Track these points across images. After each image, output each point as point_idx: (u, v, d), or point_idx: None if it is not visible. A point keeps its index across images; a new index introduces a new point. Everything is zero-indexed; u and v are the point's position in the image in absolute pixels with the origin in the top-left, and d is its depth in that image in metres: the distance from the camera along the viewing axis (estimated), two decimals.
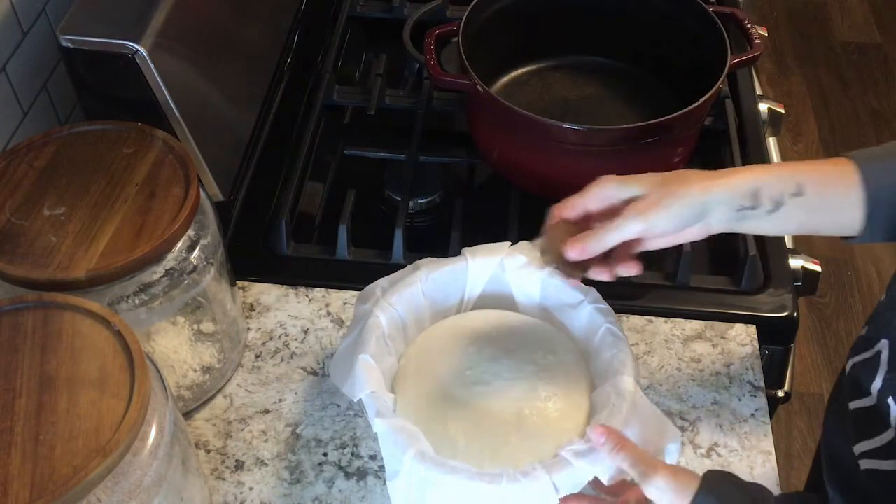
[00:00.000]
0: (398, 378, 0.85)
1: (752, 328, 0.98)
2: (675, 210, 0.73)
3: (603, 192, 0.75)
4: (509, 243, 0.90)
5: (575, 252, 0.75)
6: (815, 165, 0.75)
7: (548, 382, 0.83)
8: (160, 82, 0.93)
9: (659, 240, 0.77)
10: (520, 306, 0.91)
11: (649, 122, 1.00)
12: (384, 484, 0.85)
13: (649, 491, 0.70)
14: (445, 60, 1.18)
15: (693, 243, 1.02)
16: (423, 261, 0.90)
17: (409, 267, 0.89)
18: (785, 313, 1.00)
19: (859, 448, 0.74)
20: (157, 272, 0.81)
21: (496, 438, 0.79)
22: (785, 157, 1.19)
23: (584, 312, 0.87)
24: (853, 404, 0.75)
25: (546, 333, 0.88)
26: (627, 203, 0.75)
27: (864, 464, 0.73)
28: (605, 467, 0.74)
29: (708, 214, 0.74)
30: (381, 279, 0.89)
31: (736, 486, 0.70)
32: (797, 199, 0.73)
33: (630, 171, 1.06)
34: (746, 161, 1.14)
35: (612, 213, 0.76)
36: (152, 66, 0.92)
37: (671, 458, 0.79)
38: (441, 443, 0.79)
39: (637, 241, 0.77)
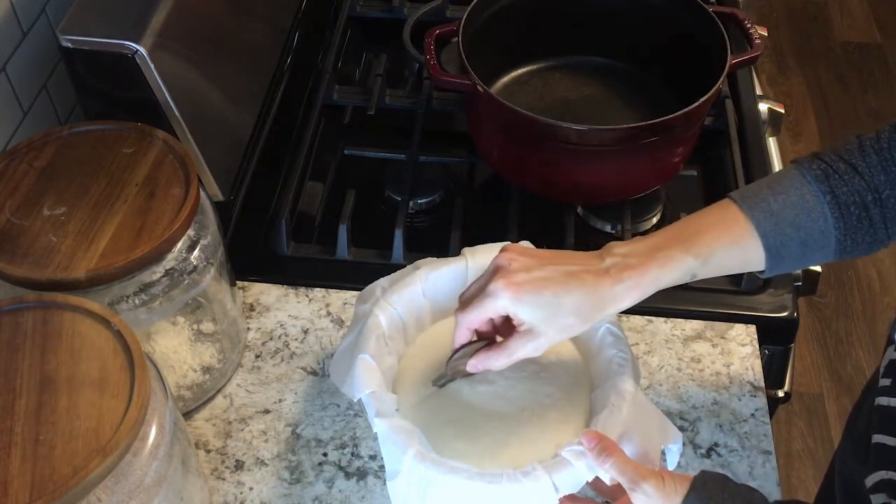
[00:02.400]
0: (398, 378, 0.85)
1: (752, 328, 0.98)
2: (566, 336, 0.77)
3: (502, 308, 0.75)
4: (509, 243, 0.90)
5: (479, 369, 0.78)
6: (712, 243, 0.76)
7: (548, 383, 0.83)
8: (160, 82, 0.93)
9: None
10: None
11: (649, 122, 1.00)
12: (384, 484, 0.85)
13: (637, 498, 0.70)
14: (445, 60, 1.18)
15: None
16: (423, 261, 0.90)
17: (409, 267, 0.89)
18: (785, 313, 1.00)
19: (873, 478, 0.74)
20: (157, 272, 0.81)
21: (496, 439, 0.79)
22: (785, 156, 1.19)
23: None
24: (878, 438, 0.75)
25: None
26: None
27: (876, 499, 0.73)
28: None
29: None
30: (381, 279, 0.88)
31: (728, 491, 0.70)
32: (690, 279, 0.77)
33: (630, 171, 1.07)
34: (746, 161, 1.14)
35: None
36: (152, 66, 0.92)
37: (672, 458, 0.79)
38: (441, 443, 0.79)
39: None
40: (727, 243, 0.77)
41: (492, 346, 0.78)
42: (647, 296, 0.76)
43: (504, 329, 0.79)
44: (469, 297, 0.77)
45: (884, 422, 0.75)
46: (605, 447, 0.72)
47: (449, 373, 0.82)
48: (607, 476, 0.73)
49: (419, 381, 0.84)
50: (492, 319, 0.78)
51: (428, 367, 0.85)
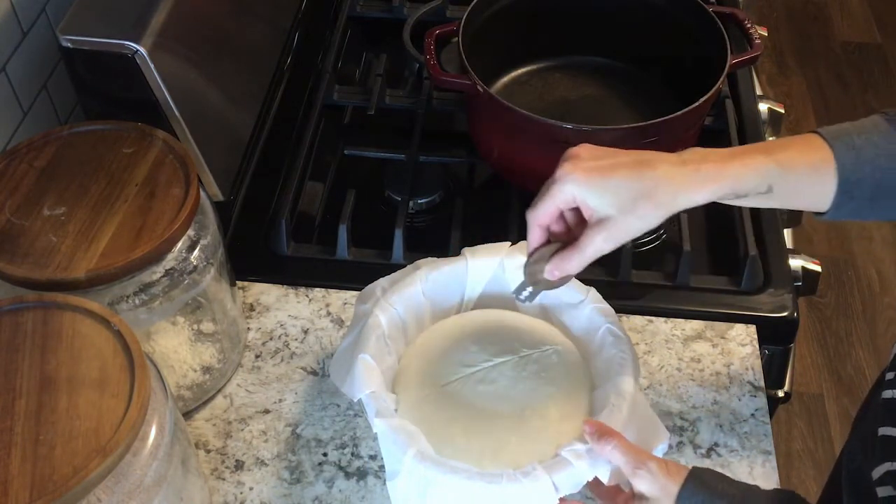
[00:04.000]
0: (398, 378, 0.85)
1: (752, 328, 0.98)
2: (642, 227, 0.72)
3: (571, 197, 0.72)
4: (509, 243, 0.90)
5: (556, 275, 0.75)
6: (794, 157, 0.74)
7: (548, 383, 0.83)
8: (160, 82, 0.93)
9: None
10: (520, 306, 0.91)
11: (649, 122, 1.00)
12: (384, 484, 0.85)
13: (639, 481, 0.70)
14: (445, 60, 1.17)
15: (693, 243, 1.02)
16: (423, 261, 0.90)
17: (409, 267, 0.89)
18: (785, 313, 1.00)
19: (879, 471, 0.74)
20: (157, 272, 0.81)
21: (497, 438, 0.79)
22: None
23: (585, 312, 0.87)
24: (884, 430, 0.75)
25: (546, 333, 0.88)
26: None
27: (882, 491, 0.73)
28: (604, 468, 0.74)
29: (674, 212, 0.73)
30: (381, 279, 0.89)
31: (725, 480, 0.71)
32: (765, 195, 0.74)
33: None
34: None
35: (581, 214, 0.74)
36: (152, 66, 0.92)
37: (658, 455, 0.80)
38: (442, 443, 0.79)
39: None
40: (807, 164, 0.73)
41: (565, 247, 0.74)
42: (724, 196, 0.72)
43: (578, 230, 0.74)
44: (539, 194, 0.73)
45: (889, 414, 0.75)
46: (605, 432, 0.73)
47: (528, 280, 0.78)
48: (606, 476, 0.73)
49: (419, 381, 0.84)
50: (564, 219, 0.75)
51: (428, 367, 0.85)
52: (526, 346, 0.86)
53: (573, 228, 0.76)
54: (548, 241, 0.76)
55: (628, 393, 0.79)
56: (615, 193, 0.70)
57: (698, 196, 0.71)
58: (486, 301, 0.91)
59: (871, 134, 0.75)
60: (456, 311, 0.91)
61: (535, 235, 0.75)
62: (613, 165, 0.71)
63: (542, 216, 0.73)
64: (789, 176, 0.73)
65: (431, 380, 0.84)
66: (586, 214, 0.72)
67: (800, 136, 0.76)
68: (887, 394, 0.76)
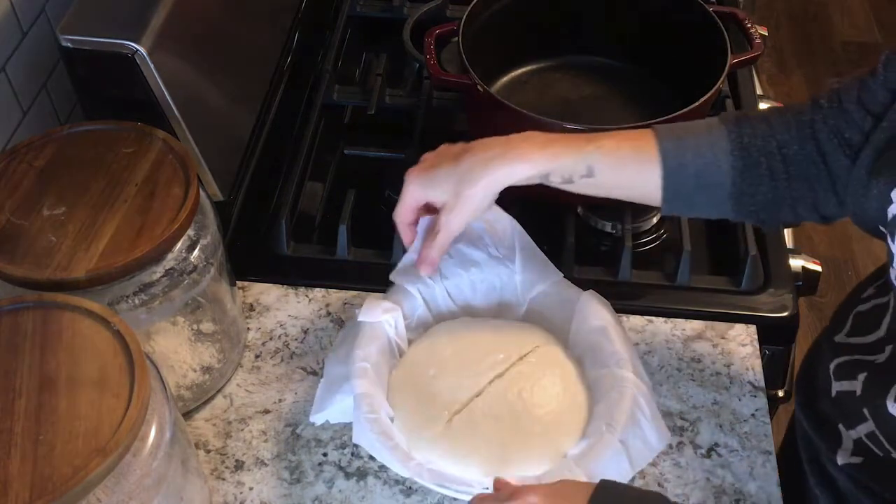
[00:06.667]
0: (392, 393, 0.86)
1: (752, 328, 0.98)
2: (475, 208, 0.82)
3: (415, 196, 0.84)
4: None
5: (427, 271, 0.87)
6: (618, 142, 0.80)
7: (542, 385, 0.84)
8: (160, 82, 0.93)
9: None
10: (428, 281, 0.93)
11: (649, 122, 1.00)
12: (384, 484, 0.85)
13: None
14: (445, 60, 1.17)
15: (693, 243, 1.02)
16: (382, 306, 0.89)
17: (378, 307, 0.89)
18: (785, 313, 1.00)
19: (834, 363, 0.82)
20: (156, 272, 0.81)
21: (499, 445, 0.80)
22: None
23: (576, 305, 0.89)
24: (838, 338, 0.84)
25: (534, 334, 0.89)
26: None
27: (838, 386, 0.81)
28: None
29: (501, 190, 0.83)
30: (385, 302, 0.89)
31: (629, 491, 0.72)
32: (589, 178, 0.80)
33: None
34: None
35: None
36: (152, 66, 0.92)
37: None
38: (449, 456, 0.80)
39: None
40: (630, 148, 0.80)
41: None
42: (542, 174, 0.80)
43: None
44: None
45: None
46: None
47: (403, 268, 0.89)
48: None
49: (423, 421, 0.84)
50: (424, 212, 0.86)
51: (421, 382, 0.86)
52: (508, 354, 0.87)
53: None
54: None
55: (629, 384, 0.81)
56: (444, 181, 0.82)
57: (514, 171, 0.81)
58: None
59: (697, 126, 0.81)
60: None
61: (405, 232, 0.87)
62: (440, 160, 0.83)
63: (402, 215, 0.86)
64: (609, 158, 0.80)
65: (427, 394, 0.85)
66: (438, 206, 0.83)
67: (635, 129, 0.83)
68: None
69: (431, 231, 0.85)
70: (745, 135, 0.79)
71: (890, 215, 0.69)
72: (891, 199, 0.69)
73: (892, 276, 0.71)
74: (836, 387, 0.81)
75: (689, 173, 0.79)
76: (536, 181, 0.81)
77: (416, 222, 0.87)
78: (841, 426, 0.81)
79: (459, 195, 0.81)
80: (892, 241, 0.69)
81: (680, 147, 0.79)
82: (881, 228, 0.72)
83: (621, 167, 0.80)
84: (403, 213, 0.86)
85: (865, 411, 0.77)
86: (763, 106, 1.24)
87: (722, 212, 0.81)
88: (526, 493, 0.69)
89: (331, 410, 0.86)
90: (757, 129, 0.79)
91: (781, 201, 0.79)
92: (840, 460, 0.81)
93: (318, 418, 0.87)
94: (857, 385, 0.78)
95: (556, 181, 0.81)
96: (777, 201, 0.79)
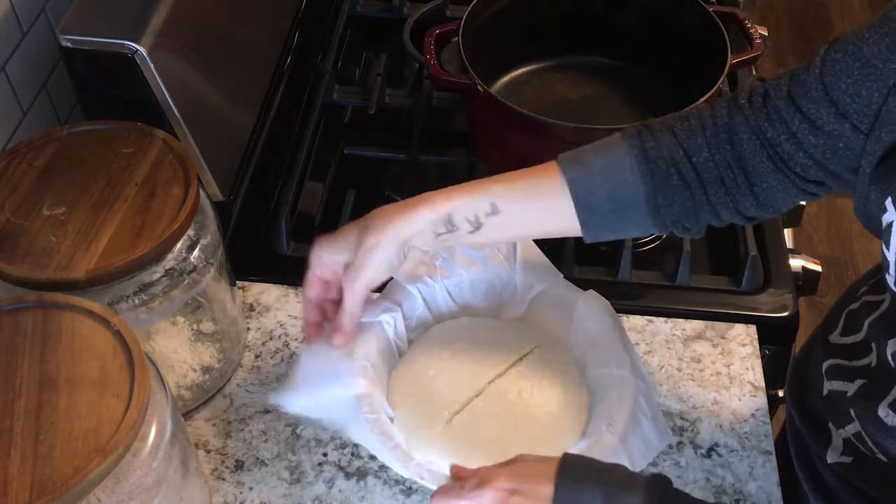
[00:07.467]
0: (392, 393, 0.86)
1: (753, 328, 0.98)
2: (379, 262, 0.79)
3: (322, 263, 0.81)
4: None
5: (340, 342, 0.82)
6: (522, 175, 0.79)
7: (542, 385, 0.84)
8: (160, 82, 0.93)
9: None
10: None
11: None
12: (384, 484, 0.85)
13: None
14: (445, 60, 1.17)
15: (692, 243, 1.02)
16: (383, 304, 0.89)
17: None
18: (785, 313, 1.00)
19: (826, 364, 0.80)
20: (156, 272, 0.81)
21: (499, 446, 0.80)
22: None
23: (576, 305, 0.89)
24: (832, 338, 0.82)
25: (533, 334, 0.89)
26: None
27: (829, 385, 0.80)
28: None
29: (411, 249, 0.80)
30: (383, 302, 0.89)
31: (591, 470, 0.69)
32: (495, 217, 0.78)
33: None
34: None
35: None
36: (152, 66, 0.92)
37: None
38: (449, 456, 0.80)
39: None
40: (534, 178, 0.78)
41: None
42: (442, 217, 0.78)
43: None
44: None
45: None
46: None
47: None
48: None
49: (424, 420, 0.84)
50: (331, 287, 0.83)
51: (421, 383, 0.86)
52: (515, 349, 0.87)
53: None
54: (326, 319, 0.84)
55: (629, 383, 0.81)
56: (344, 241, 0.80)
57: (415, 216, 0.78)
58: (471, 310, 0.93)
59: (599, 148, 0.79)
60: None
61: (307, 310, 0.83)
62: (347, 228, 0.81)
63: (308, 285, 0.82)
64: (510, 192, 0.78)
65: (426, 395, 0.85)
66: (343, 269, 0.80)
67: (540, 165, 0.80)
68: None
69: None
70: (649, 147, 0.77)
71: (885, 223, 0.69)
72: (885, 208, 0.68)
73: (890, 282, 0.71)
74: (828, 386, 0.81)
75: (600, 197, 0.77)
76: (442, 230, 0.79)
77: (323, 303, 0.83)
78: (831, 425, 0.81)
79: (361, 247, 0.78)
80: (888, 249, 0.69)
81: (586, 173, 0.77)
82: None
83: (527, 199, 0.78)
84: (309, 283, 0.82)
85: (852, 412, 0.77)
86: None
87: (644, 228, 0.79)
88: (493, 480, 0.68)
89: (304, 401, 0.83)
90: (661, 141, 0.77)
91: (700, 208, 0.77)
92: (830, 458, 0.81)
93: (281, 400, 0.84)
94: (850, 387, 0.78)
95: (463, 227, 0.78)
96: (697, 209, 0.77)
